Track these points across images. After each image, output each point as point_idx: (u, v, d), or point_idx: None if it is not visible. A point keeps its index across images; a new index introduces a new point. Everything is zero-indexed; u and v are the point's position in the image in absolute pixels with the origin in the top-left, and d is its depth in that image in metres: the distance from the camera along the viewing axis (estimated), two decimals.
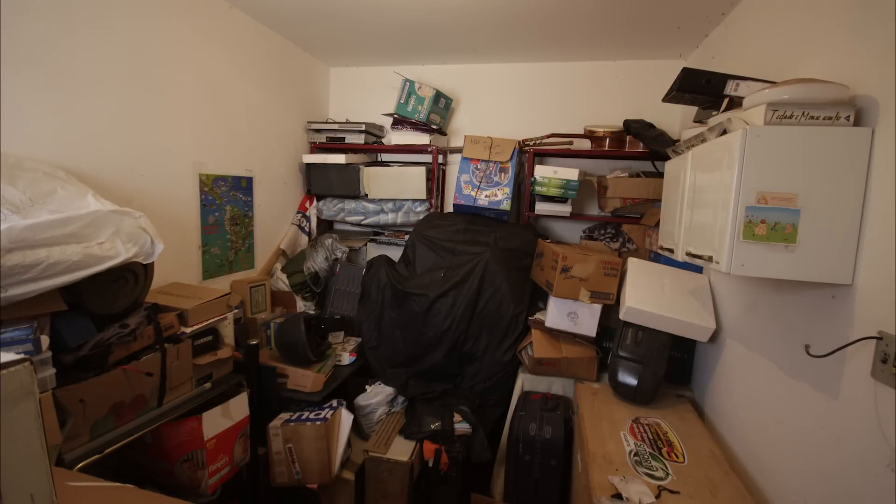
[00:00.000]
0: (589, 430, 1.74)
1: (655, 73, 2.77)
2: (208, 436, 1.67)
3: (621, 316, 2.01)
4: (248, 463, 1.93)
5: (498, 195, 2.68)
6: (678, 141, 2.05)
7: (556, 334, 2.32)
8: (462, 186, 2.72)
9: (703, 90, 1.54)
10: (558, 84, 2.96)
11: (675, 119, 2.72)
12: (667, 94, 1.66)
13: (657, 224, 2.18)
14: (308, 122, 3.07)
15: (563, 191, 2.56)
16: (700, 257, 1.40)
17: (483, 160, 2.71)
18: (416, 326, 2.48)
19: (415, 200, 2.96)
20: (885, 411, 1.01)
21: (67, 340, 1.34)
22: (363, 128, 2.97)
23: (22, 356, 0.65)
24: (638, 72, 2.83)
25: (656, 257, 2.32)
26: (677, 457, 1.59)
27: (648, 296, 2.00)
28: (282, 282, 2.73)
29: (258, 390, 2.06)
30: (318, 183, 3.02)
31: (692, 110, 2.09)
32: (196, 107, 2.13)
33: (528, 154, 2.76)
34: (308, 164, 3.00)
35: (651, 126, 2.55)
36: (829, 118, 1.15)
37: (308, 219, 3.02)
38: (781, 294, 1.45)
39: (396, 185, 2.92)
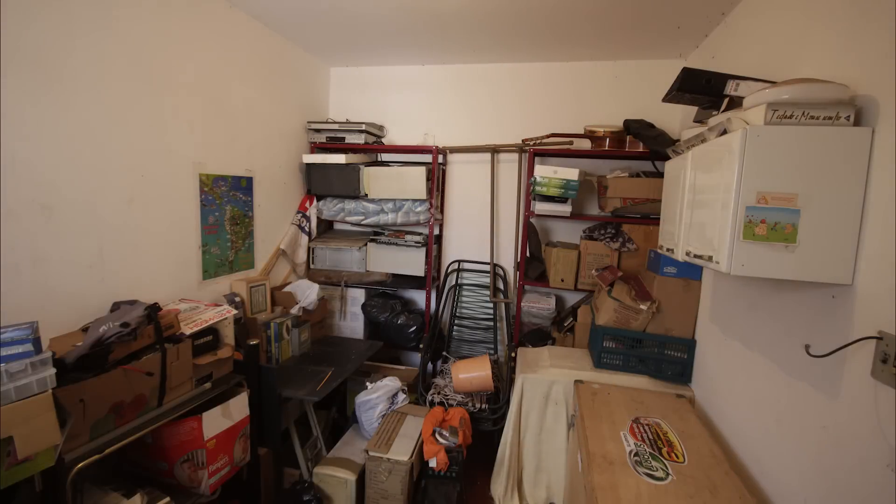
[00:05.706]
0: (589, 430, 1.74)
1: (655, 73, 2.77)
2: (208, 436, 1.67)
3: None
4: (248, 463, 1.93)
5: None
6: (678, 141, 2.05)
7: None
8: None
9: (703, 90, 1.54)
10: (558, 84, 2.96)
11: (675, 119, 2.72)
12: (667, 94, 1.66)
13: None
14: (308, 122, 3.07)
15: (563, 191, 2.56)
16: (700, 257, 1.40)
17: None
18: None
19: (415, 200, 2.95)
20: (885, 411, 1.01)
21: None
22: (363, 128, 2.97)
23: None
24: (638, 72, 2.82)
25: (656, 257, 2.32)
26: (677, 457, 1.59)
27: None
28: None
29: (258, 390, 2.06)
30: (318, 183, 3.02)
31: (692, 110, 2.09)
32: (196, 107, 2.13)
33: (529, 154, 2.76)
34: (308, 164, 3.00)
35: (651, 126, 2.54)
36: (830, 118, 1.15)
37: (308, 219, 3.02)
38: (781, 294, 1.45)
39: (396, 185, 2.91)
